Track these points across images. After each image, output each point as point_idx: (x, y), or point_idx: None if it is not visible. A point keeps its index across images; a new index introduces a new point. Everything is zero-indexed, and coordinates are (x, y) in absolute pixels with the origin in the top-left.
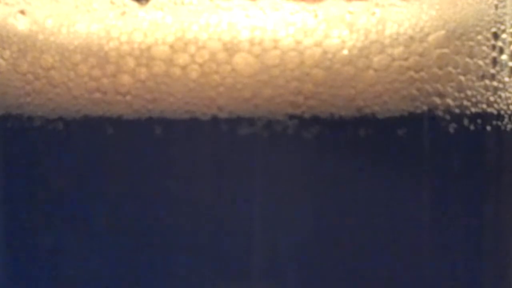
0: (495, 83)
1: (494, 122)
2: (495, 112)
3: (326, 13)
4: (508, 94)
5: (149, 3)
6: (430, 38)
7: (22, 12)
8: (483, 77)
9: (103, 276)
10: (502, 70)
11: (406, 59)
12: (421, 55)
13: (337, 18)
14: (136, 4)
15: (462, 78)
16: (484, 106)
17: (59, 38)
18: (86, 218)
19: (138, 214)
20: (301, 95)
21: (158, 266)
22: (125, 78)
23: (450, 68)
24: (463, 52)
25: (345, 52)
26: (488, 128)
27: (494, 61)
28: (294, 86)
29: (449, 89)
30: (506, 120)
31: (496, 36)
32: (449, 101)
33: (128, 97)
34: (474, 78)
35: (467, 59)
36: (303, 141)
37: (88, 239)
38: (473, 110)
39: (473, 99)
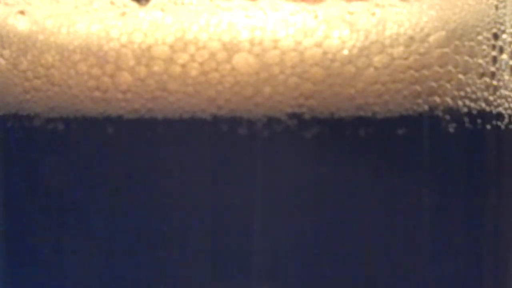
0: (495, 83)
1: (494, 122)
2: (495, 111)
3: (326, 13)
4: (508, 93)
5: (149, 4)
6: (430, 38)
7: (22, 12)
8: (483, 77)
9: (103, 276)
10: (502, 70)
11: (406, 58)
12: (421, 55)
13: (337, 19)
14: (136, 4)
15: (462, 77)
16: (484, 105)
17: (59, 39)
18: (86, 217)
19: (137, 213)
20: (301, 94)
21: (157, 266)
22: (125, 78)
23: (450, 68)
24: (463, 52)
25: (345, 52)
26: (488, 127)
27: (494, 61)
28: (294, 86)
29: (449, 88)
30: (506, 119)
31: (496, 36)
32: (449, 100)
33: (128, 96)
34: (474, 77)
35: (467, 58)
36: (303, 141)
37: (88, 238)
38: (473, 109)
39: (473, 98)
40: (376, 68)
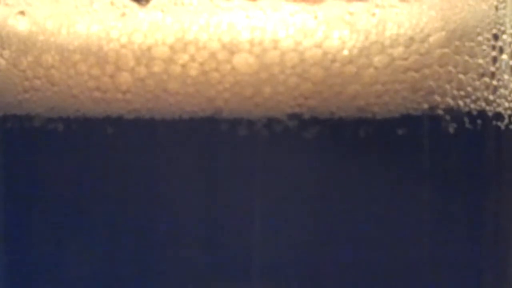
0: (495, 83)
1: (494, 122)
2: (495, 111)
3: (326, 14)
4: (508, 93)
5: (149, 4)
6: (431, 39)
7: (22, 13)
8: (483, 77)
9: (103, 276)
10: (502, 70)
11: (406, 59)
12: (421, 55)
13: (337, 19)
14: (136, 5)
15: (462, 77)
16: (484, 105)
17: (59, 39)
18: (86, 217)
19: (137, 213)
20: (301, 94)
21: (158, 267)
22: (125, 78)
23: (450, 68)
24: (464, 53)
25: (345, 52)
26: (488, 127)
27: (494, 61)
28: (294, 86)
29: (449, 89)
30: (506, 119)
31: (496, 37)
32: (449, 100)
33: (128, 96)
34: (474, 78)
35: (467, 58)
36: (303, 141)
37: (88, 238)
38: (473, 109)
39: (473, 98)
40: (376, 69)
